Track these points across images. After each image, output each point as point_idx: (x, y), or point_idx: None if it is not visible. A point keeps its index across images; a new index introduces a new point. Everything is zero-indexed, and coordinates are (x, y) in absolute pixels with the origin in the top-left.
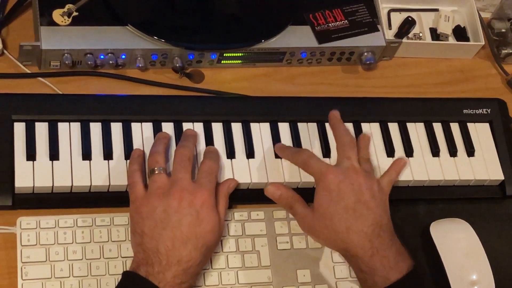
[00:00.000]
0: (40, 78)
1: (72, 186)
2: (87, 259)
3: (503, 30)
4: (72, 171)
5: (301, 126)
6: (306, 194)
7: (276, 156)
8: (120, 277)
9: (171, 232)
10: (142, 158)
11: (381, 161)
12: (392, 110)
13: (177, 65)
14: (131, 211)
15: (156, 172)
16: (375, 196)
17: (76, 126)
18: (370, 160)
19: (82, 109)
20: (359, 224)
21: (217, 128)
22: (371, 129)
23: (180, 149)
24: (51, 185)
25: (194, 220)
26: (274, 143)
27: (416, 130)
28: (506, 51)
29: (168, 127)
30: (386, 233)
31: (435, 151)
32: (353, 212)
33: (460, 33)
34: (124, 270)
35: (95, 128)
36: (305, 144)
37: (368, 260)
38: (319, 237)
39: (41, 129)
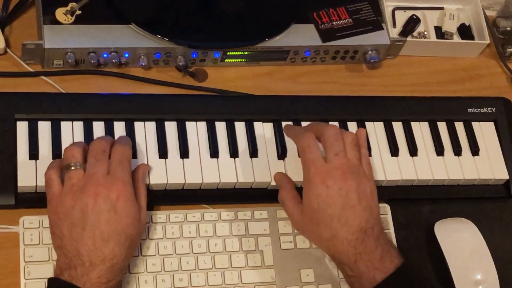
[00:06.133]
0: (43, 77)
1: None
2: None
3: (508, 29)
4: None
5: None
6: None
7: (279, 156)
8: None
9: (91, 232)
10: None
11: (385, 160)
12: (396, 109)
13: (181, 64)
14: (48, 211)
15: (72, 168)
16: (362, 198)
17: (79, 125)
18: (357, 146)
19: (85, 108)
20: (343, 232)
21: (221, 127)
22: (375, 128)
23: (94, 141)
24: None
25: (112, 216)
26: (277, 143)
27: (421, 129)
28: (511, 49)
29: (171, 126)
30: (370, 237)
31: (440, 150)
32: (338, 220)
33: (465, 31)
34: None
35: (98, 127)
36: None
37: (352, 265)
38: (307, 238)
39: (44, 128)
